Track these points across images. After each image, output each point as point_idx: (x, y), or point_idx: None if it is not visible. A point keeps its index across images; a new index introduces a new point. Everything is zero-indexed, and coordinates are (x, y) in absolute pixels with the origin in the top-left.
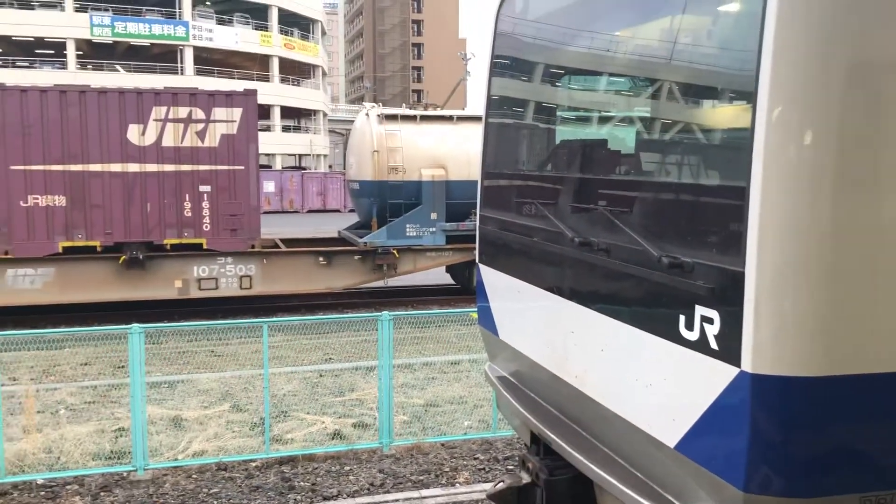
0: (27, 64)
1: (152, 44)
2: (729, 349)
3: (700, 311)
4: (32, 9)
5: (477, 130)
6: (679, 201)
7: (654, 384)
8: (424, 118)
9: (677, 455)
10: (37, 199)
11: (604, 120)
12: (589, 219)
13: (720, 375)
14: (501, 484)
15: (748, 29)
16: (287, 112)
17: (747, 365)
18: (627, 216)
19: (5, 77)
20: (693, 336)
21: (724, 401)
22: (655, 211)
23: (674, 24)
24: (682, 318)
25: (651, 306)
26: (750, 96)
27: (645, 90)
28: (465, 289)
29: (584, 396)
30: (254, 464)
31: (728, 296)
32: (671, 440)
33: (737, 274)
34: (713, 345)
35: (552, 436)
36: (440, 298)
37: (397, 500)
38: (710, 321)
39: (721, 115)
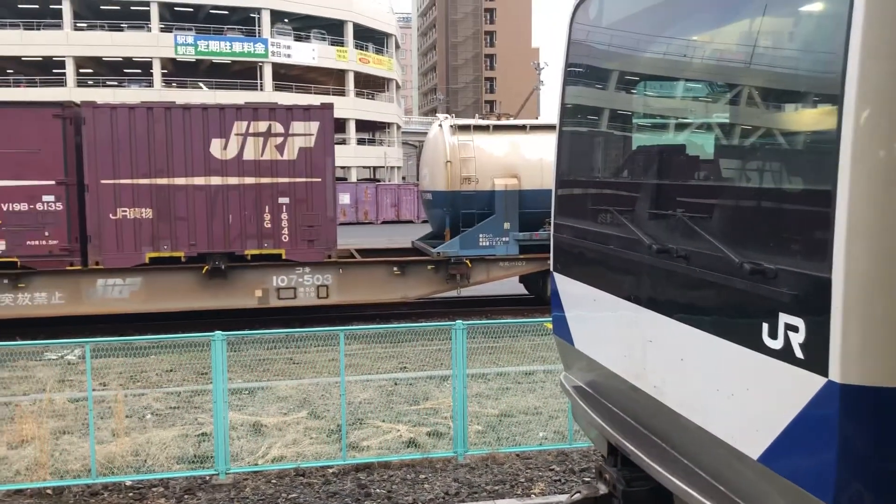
0: (116, 83)
1: (233, 61)
2: (815, 358)
3: (784, 318)
4: (122, 30)
5: (550, 139)
6: (761, 207)
7: (737, 394)
8: (497, 128)
9: (761, 467)
10: (125, 211)
11: (682, 126)
12: (667, 225)
13: (806, 385)
14: (578, 495)
15: (833, 29)
16: (362, 125)
17: (835, 375)
18: (707, 222)
19: (96, 96)
20: (777, 345)
21: (811, 412)
22: (736, 217)
23: (755, 27)
24: (765, 327)
25: (732, 314)
26: (836, 98)
27: (725, 94)
28: (538, 299)
29: (663, 407)
30: (331, 470)
31: (814, 303)
32: (755, 452)
33: (823, 280)
34: (798, 354)
35: (630, 447)
36: (513, 308)
37: None
38: (795, 329)
39: (805, 118)
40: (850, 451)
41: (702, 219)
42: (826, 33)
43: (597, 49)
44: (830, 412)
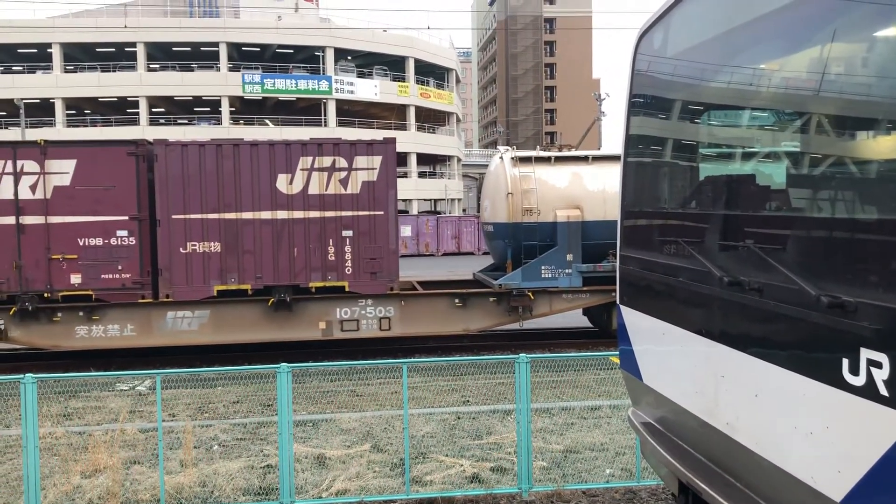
0: (186, 121)
1: (298, 98)
2: None
3: (866, 353)
4: (192, 70)
5: (613, 170)
6: (839, 237)
7: (816, 433)
8: (559, 159)
9: None
10: (195, 245)
11: (753, 155)
12: (739, 257)
13: (892, 424)
14: None
15: None
16: (423, 158)
17: None
18: (781, 254)
19: (167, 133)
20: (859, 381)
21: None
22: (812, 248)
23: (825, 54)
24: (845, 362)
25: (809, 349)
26: None
27: (798, 122)
28: (603, 332)
29: (737, 444)
30: None
31: None
32: (837, 494)
33: None
34: (883, 391)
35: (703, 486)
36: (577, 342)
37: None
38: (879, 365)
39: (883, 145)
40: None
41: (775, 250)
42: None
43: (662, 79)
44: None
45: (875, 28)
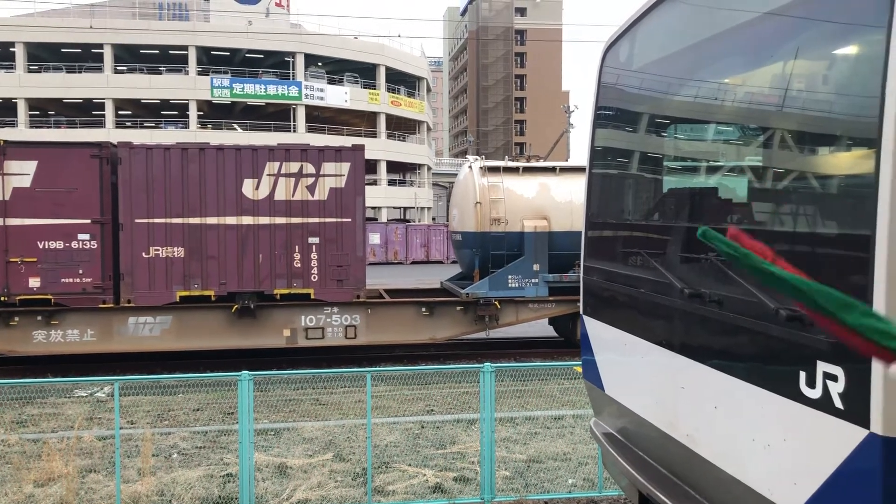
0: (153, 124)
1: (267, 103)
2: (856, 409)
3: (822, 367)
4: (160, 74)
5: (580, 181)
6: (797, 251)
7: (773, 444)
8: (527, 170)
9: None
10: (158, 250)
11: (714, 169)
12: (700, 269)
13: (847, 437)
14: None
15: (870, 72)
16: (393, 166)
17: (877, 427)
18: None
19: (133, 137)
20: (815, 394)
21: (852, 465)
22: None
23: (787, 70)
24: (802, 375)
25: (768, 362)
26: (873, 141)
27: (758, 138)
28: (568, 341)
29: (697, 456)
30: None
31: (854, 351)
32: None
33: None
34: (838, 404)
35: (663, 497)
36: (542, 351)
37: None
38: (834, 378)
39: (842, 161)
40: None
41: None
42: (862, 75)
43: (627, 92)
44: (873, 466)
45: (836, 46)
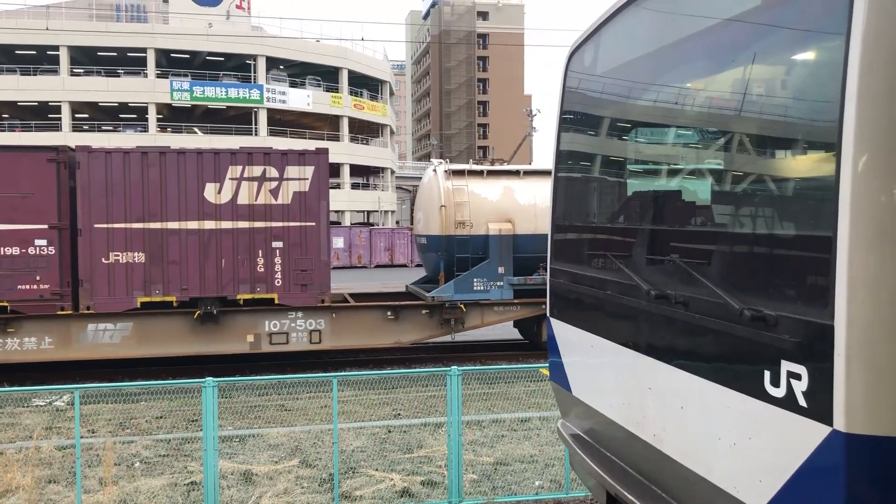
0: (111, 128)
1: (228, 107)
2: (819, 407)
3: (786, 366)
4: (118, 76)
5: (544, 185)
6: (761, 253)
7: (739, 443)
8: (491, 173)
9: None
10: (118, 255)
11: (679, 172)
12: (665, 271)
13: (810, 434)
14: None
15: (829, 77)
16: (356, 170)
17: (840, 424)
18: (706, 268)
19: (91, 140)
20: (779, 393)
21: (816, 462)
22: (736, 263)
23: (749, 74)
24: (767, 374)
25: (733, 361)
26: (833, 144)
27: (721, 141)
28: (533, 344)
29: (664, 456)
30: None
31: (816, 350)
32: (758, 503)
33: (825, 328)
34: (801, 402)
35: (630, 497)
36: (508, 353)
37: None
38: (798, 377)
39: (803, 164)
40: (857, 502)
41: (700, 265)
42: (821, 80)
43: (591, 96)
44: (836, 462)
45: (795, 51)
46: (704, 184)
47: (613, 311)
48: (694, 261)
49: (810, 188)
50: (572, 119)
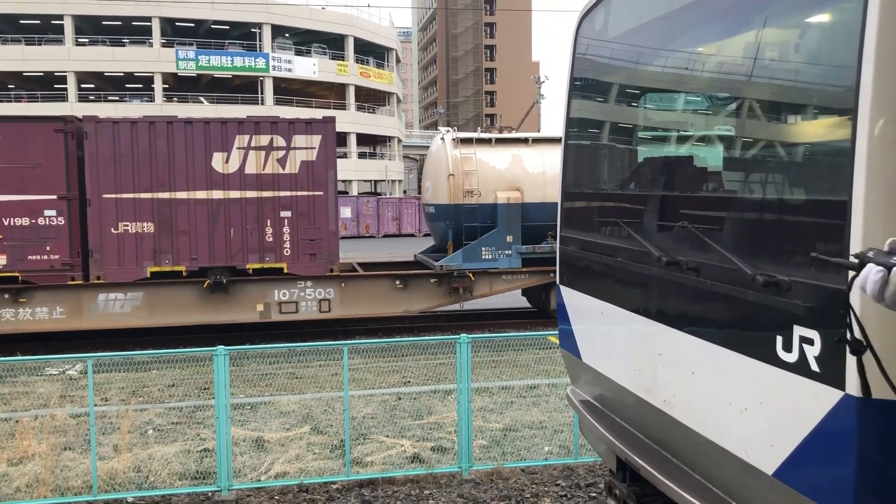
0: (117, 98)
1: (234, 76)
2: (831, 371)
3: (799, 331)
4: (123, 46)
5: (552, 152)
6: (775, 218)
7: (750, 408)
8: (499, 141)
9: (776, 483)
10: (127, 226)
11: (694, 138)
12: (677, 237)
13: (822, 399)
14: None
15: (846, 38)
16: (362, 139)
17: (853, 388)
18: (718, 234)
19: (97, 110)
20: (791, 358)
21: (828, 426)
22: (749, 229)
23: (765, 37)
24: (779, 340)
25: (745, 327)
26: (849, 108)
27: (735, 106)
28: (541, 312)
29: (674, 421)
30: (335, 486)
31: (830, 315)
32: (769, 467)
33: (839, 292)
34: (814, 367)
35: (641, 462)
36: (516, 322)
37: None
38: (811, 342)
39: (819, 128)
40: (868, 466)
41: (713, 231)
42: (838, 42)
43: (602, 61)
44: (848, 426)
45: (812, 13)
46: (718, 150)
47: (624, 278)
48: (706, 227)
49: (825, 152)
50: (583, 85)
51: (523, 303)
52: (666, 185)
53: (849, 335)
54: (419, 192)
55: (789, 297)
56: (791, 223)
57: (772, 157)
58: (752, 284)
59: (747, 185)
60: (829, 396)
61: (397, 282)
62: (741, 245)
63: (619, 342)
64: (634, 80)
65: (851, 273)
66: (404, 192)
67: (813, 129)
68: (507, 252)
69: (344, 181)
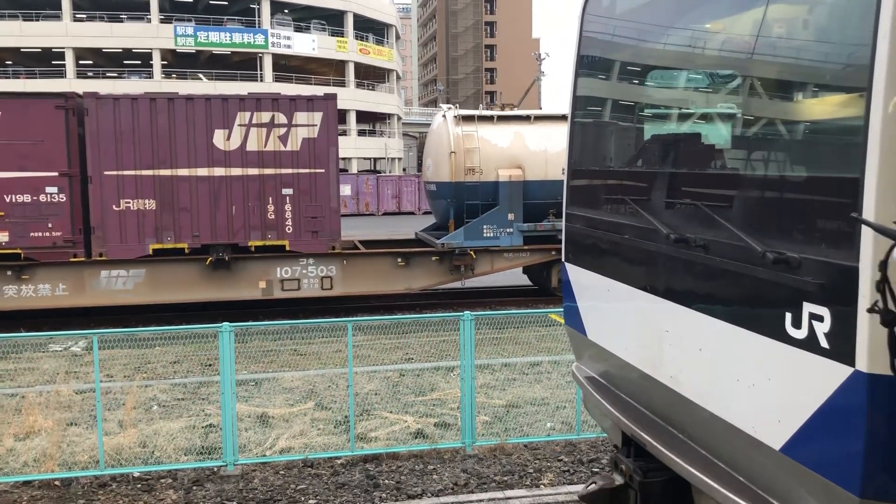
0: (115, 74)
1: (233, 52)
2: (841, 348)
3: (808, 308)
4: (121, 22)
5: (554, 130)
6: (786, 196)
7: (758, 384)
8: (501, 118)
9: (783, 458)
10: (128, 203)
11: (703, 115)
12: (685, 215)
13: (831, 375)
14: (594, 485)
15: (861, 14)
16: (362, 116)
17: (862, 364)
18: (728, 211)
19: (95, 87)
20: (801, 334)
21: (837, 402)
22: (759, 206)
23: (776, 14)
24: (788, 316)
25: (754, 304)
26: (863, 85)
27: (749, 83)
28: (542, 289)
29: (680, 397)
30: (339, 461)
31: (840, 292)
32: (776, 443)
33: (850, 269)
34: (823, 343)
35: (647, 437)
36: (517, 299)
37: (482, 501)
38: (820, 319)
39: (832, 105)
40: (877, 442)
41: (723, 208)
42: (852, 18)
43: (611, 38)
44: (857, 402)
45: None
46: (728, 127)
47: (631, 255)
48: (716, 204)
49: (838, 130)
50: (590, 63)
51: (524, 281)
52: (675, 162)
53: (881, 306)
54: (419, 170)
55: (799, 273)
56: (802, 200)
57: (785, 134)
58: (762, 261)
59: (759, 162)
60: (838, 372)
61: (399, 259)
62: (751, 222)
63: (626, 319)
64: (643, 58)
65: (891, 242)
66: (403, 169)
67: (828, 106)
68: (508, 230)
69: (344, 159)
